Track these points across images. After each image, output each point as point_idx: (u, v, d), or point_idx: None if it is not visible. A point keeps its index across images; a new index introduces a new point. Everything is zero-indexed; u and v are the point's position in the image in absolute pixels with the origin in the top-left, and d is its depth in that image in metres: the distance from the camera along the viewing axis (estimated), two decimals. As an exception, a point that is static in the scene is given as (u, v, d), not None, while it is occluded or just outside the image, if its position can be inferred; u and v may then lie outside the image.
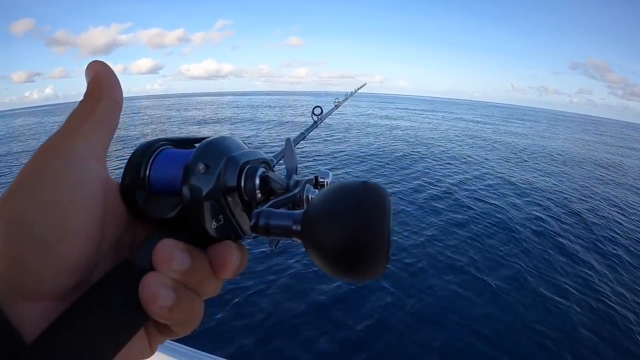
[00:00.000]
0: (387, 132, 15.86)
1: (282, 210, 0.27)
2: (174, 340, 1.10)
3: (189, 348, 1.26)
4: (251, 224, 0.27)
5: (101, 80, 0.29)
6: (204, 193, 0.27)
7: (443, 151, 11.75)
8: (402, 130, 16.80)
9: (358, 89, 1.75)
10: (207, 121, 20.54)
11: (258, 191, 0.30)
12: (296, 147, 0.67)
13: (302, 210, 0.25)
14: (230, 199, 0.29)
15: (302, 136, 0.87)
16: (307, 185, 0.34)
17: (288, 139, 0.40)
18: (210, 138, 0.30)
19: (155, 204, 0.28)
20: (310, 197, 0.33)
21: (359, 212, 0.22)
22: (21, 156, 12.08)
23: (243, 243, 0.31)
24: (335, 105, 1.25)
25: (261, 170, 0.31)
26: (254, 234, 0.28)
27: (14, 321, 0.21)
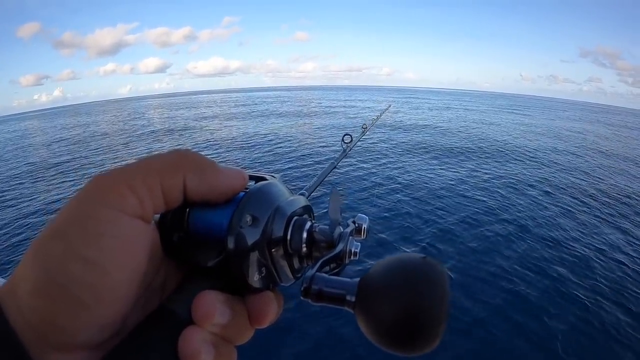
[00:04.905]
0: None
1: (336, 277, 0.27)
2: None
3: None
4: (302, 288, 0.26)
5: (198, 162, 0.27)
6: (249, 246, 0.27)
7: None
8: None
9: (384, 111, 1.74)
10: (219, 119, 20.27)
11: (304, 245, 0.30)
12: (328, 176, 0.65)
13: (356, 280, 0.25)
14: (274, 250, 0.29)
15: (333, 166, 0.83)
16: (350, 238, 0.32)
17: (333, 188, 0.36)
18: (257, 186, 0.30)
19: (195, 249, 0.27)
20: (353, 251, 0.31)
21: (418, 291, 0.22)
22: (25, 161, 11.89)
23: (278, 289, 0.31)
24: (363, 130, 1.23)
25: (309, 224, 0.31)
26: (303, 298, 0.26)
27: None
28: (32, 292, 0.21)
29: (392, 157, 9.14)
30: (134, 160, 0.26)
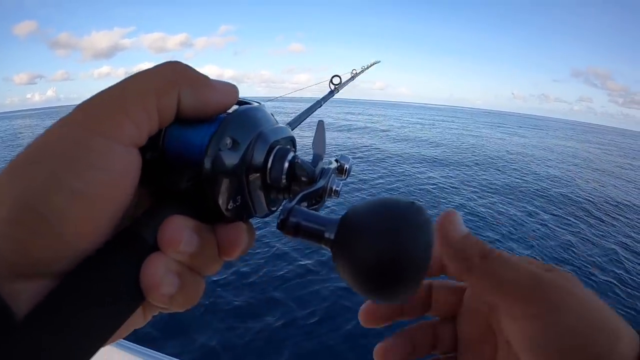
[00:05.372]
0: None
1: (316, 212, 0.25)
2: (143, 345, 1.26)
3: (156, 352, 1.25)
4: (279, 220, 0.25)
5: (189, 74, 0.25)
6: (226, 170, 0.25)
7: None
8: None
9: (372, 64, 1.76)
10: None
11: (284, 176, 0.28)
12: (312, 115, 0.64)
13: (337, 218, 0.24)
14: (251, 178, 0.27)
15: (319, 104, 0.81)
16: (333, 176, 0.31)
17: (320, 121, 0.35)
18: (241, 109, 0.27)
19: (168, 170, 0.26)
20: (334, 189, 0.30)
21: (404, 235, 0.21)
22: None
23: (251, 221, 0.29)
24: (352, 76, 1.23)
25: (291, 154, 0.29)
26: (279, 230, 0.25)
27: (8, 298, 0.19)
28: (7, 219, 0.19)
29: (393, 169, 9.17)
30: (127, 78, 0.24)
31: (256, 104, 0.30)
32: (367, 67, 1.66)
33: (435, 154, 12.95)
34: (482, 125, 33.23)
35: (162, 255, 0.23)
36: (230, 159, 0.25)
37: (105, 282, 0.21)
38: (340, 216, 0.24)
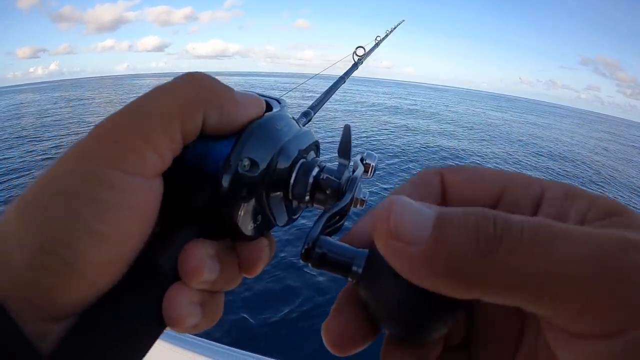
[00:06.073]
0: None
1: (342, 243, 0.23)
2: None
3: (199, 339, 1.23)
4: (304, 250, 0.22)
5: (218, 90, 0.23)
6: (244, 192, 0.24)
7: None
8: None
9: (397, 26, 1.64)
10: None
11: (307, 192, 0.27)
12: (336, 92, 0.63)
13: (365, 250, 0.22)
14: (273, 195, 0.26)
15: (343, 80, 0.75)
16: (360, 185, 0.29)
17: (347, 126, 0.32)
18: (259, 122, 0.25)
19: (186, 188, 0.24)
20: (361, 199, 0.29)
21: None
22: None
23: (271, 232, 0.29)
24: (377, 43, 1.16)
25: (316, 170, 0.28)
26: (303, 261, 0.23)
27: (35, 340, 0.18)
28: (28, 264, 0.18)
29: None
30: (146, 97, 0.22)
31: (276, 103, 0.28)
32: (392, 30, 1.52)
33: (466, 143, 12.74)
34: (497, 110, 32.65)
35: (184, 287, 0.22)
36: (249, 181, 0.24)
37: (126, 317, 0.21)
38: (367, 250, 0.22)
